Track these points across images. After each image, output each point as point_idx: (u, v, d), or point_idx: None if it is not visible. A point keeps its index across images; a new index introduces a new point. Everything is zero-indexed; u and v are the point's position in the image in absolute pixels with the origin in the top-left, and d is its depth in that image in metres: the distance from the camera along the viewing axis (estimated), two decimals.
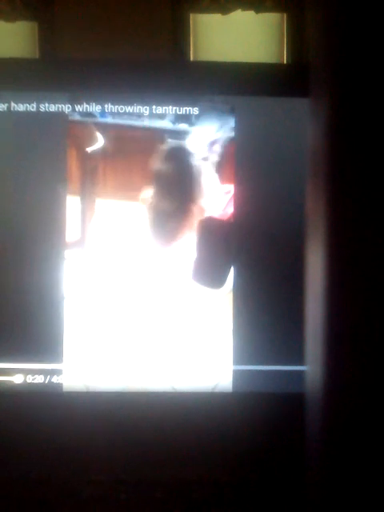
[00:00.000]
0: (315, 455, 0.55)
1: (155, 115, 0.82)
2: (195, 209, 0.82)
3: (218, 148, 0.82)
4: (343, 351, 0.51)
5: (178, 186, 0.82)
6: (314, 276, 0.57)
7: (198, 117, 0.82)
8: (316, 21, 0.58)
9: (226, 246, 0.83)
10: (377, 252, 0.50)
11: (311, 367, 0.59)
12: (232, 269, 0.82)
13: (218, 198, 0.82)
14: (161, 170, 0.82)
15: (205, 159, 0.82)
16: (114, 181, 0.82)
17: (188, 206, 0.82)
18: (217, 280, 0.83)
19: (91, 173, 0.82)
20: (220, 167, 0.82)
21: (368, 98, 0.50)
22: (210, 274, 0.83)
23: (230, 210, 0.82)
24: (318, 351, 0.53)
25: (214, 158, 0.82)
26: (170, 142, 0.82)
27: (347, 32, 0.49)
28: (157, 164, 0.82)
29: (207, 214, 0.82)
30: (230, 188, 0.82)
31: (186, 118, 0.82)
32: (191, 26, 1.29)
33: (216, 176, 0.82)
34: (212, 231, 0.83)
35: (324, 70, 0.55)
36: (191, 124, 0.82)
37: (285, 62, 1.29)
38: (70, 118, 0.81)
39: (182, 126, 0.82)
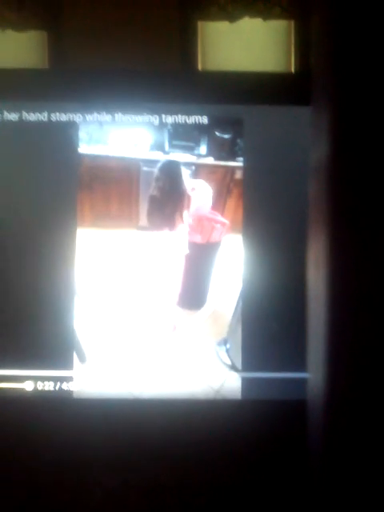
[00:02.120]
0: (318, 459, 0.55)
1: (164, 125, 0.83)
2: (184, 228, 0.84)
3: (215, 167, 0.83)
4: (344, 359, 0.51)
5: (171, 206, 0.84)
6: (316, 287, 0.57)
7: (206, 126, 0.82)
8: (317, 31, 0.58)
9: (206, 270, 0.84)
10: (377, 263, 0.50)
11: (313, 375, 0.59)
12: (210, 290, 0.84)
13: (206, 222, 0.83)
14: (155, 195, 0.83)
15: (200, 182, 0.83)
16: (108, 208, 0.83)
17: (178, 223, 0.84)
18: (197, 302, 0.84)
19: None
20: (218, 188, 0.83)
21: (369, 107, 0.50)
22: (191, 297, 0.85)
23: (217, 234, 0.83)
24: (320, 359, 0.54)
25: (211, 179, 0.83)
26: (166, 165, 0.83)
27: (349, 42, 0.50)
28: (152, 188, 0.83)
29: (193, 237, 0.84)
30: (220, 214, 0.83)
31: (192, 130, 0.83)
32: (199, 33, 1.30)
33: (209, 200, 0.83)
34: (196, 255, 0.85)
35: (325, 80, 0.55)
36: (198, 137, 0.83)
37: (292, 68, 1.29)
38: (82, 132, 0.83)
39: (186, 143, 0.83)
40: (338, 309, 0.52)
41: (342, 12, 0.51)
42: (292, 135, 0.82)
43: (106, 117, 0.82)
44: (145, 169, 0.83)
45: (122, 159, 0.83)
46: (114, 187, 0.83)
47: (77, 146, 0.82)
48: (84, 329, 0.82)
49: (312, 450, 0.59)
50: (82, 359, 0.82)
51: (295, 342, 0.80)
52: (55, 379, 0.82)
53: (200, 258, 0.84)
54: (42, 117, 0.82)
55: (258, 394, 0.82)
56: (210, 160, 0.83)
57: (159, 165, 0.82)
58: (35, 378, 0.82)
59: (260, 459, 0.83)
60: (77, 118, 0.82)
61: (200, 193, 0.82)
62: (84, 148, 0.83)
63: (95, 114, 0.82)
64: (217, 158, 0.83)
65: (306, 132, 0.80)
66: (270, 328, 0.82)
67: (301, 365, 0.80)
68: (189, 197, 0.83)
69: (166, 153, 0.82)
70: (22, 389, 0.82)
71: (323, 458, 0.54)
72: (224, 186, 0.82)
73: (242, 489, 0.83)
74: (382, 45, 0.50)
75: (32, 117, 0.82)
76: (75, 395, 0.82)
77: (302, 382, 0.81)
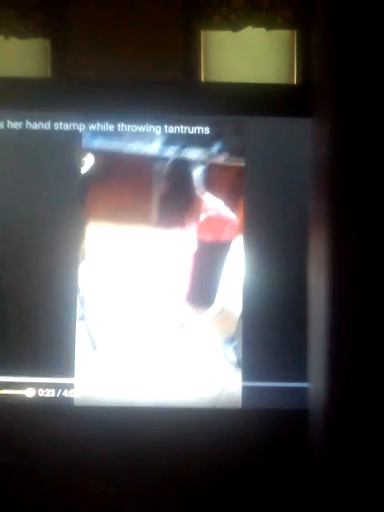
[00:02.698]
0: (319, 468, 0.55)
1: (166, 134, 0.83)
2: (194, 231, 0.84)
3: (226, 168, 0.83)
4: (345, 368, 0.51)
5: (178, 209, 0.84)
6: (317, 296, 0.58)
7: (208, 136, 0.83)
8: (318, 43, 0.59)
9: (216, 268, 0.84)
10: (377, 272, 0.51)
11: (314, 384, 0.59)
12: (219, 289, 0.84)
13: (216, 221, 0.84)
14: (165, 193, 0.84)
15: (212, 181, 0.84)
16: (120, 204, 0.83)
17: (188, 227, 0.84)
18: (206, 300, 0.85)
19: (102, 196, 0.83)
20: (228, 188, 0.83)
21: (369, 119, 0.51)
22: (200, 295, 0.85)
23: (227, 234, 0.84)
24: (321, 369, 0.54)
25: (223, 178, 0.83)
26: (176, 164, 0.83)
27: (349, 55, 0.50)
28: (163, 186, 0.84)
29: (202, 236, 0.84)
30: (229, 213, 0.83)
31: (196, 138, 0.83)
32: (202, 42, 1.31)
33: (220, 200, 0.84)
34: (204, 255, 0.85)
35: (326, 92, 0.56)
36: (201, 144, 0.83)
37: (295, 78, 1.30)
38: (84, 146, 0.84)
39: (191, 147, 0.83)
40: (338, 318, 0.52)
41: (342, 24, 0.51)
42: (293, 146, 0.83)
43: (108, 127, 0.83)
44: (157, 166, 0.83)
45: (133, 157, 0.83)
46: (124, 186, 0.83)
47: (80, 155, 0.83)
48: (89, 330, 0.82)
49: (313, 460, 0.60)
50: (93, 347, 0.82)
51: (296, 351, 0.80)
52: (56, 386, 0.82)
53: (209, 257, 0.84)
54: (45, 126, 0.83)
55: (258, 403, 0.82)
56: (223, 159, 0.83)
57: (169, 162, 0.83)
58: (36, 385, 0.82)
59: (260, 468, 0.83)
60: (80, 127, 0.83)
61: (212, 191, 0.83)
62: (93, 144, 0.83)
63: (98, 124, 0.83)
64: (229, 158, 0.83)
65: (307, 143, 0.81)
66: (271, 337, 0.82)
67: (302, 374, 0.80)
68: (199, 196, 0.83)
69: (178, 150, 0.83)
70: (24, 395, 0.83)
71: (324, 466, 0.55)
72: (236, 186, 0.83)
73: (242, 498, 0.83)
74: (382, 56, 0.50)
75: (35, 126, 0.83)
76: (76, 402, 0.83)
77: (302, 392, 0.81)
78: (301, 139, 0.82)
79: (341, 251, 0.52)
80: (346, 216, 0.51)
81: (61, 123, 0.83)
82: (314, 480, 0.58)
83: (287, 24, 1.32)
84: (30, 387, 0.83)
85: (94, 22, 1.24)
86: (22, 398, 0.83)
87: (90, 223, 0.83)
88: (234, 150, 0.83)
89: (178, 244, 0.83)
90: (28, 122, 0.83)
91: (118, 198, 0.83)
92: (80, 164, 0.83)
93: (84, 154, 0.83)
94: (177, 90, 0.84)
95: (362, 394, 0.51)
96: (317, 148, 0.61)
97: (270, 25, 1.31)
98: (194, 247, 0.83)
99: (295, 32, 1.34)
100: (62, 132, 0.83)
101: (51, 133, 0.83)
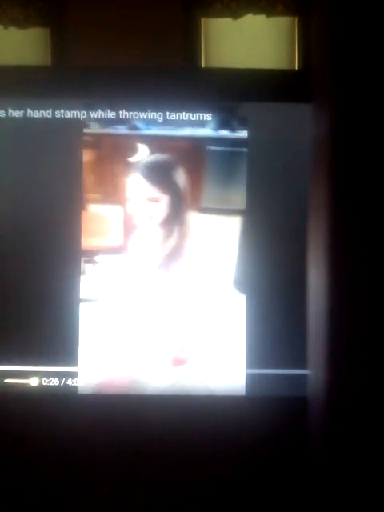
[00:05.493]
0: (318, 453, 0.56)
1: (168, 121, 0.83)
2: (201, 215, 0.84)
3: (230, 152, 0.83)
4: (344, 355, 0.52)
5: (181, 192, 0.84)
6: (316, 285, 0.58)
7: (210, 123, 0.83)
8: (317, 30, 0.59)
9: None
10: (376, 262, 0.51)
11: (313, 371, 0.59)
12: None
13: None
14: (171, 178, 0.84)
15: (217, 165, 0.83)
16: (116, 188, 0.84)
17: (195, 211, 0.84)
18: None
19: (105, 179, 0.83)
20: (233, 172, 0.83)
21: (368, 103, 0.51)
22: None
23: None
24: (320, 356, 0.54)
25: (227, 163, 0.83)
26: (182, 149, 0.83)
27: (347, 41, 0.50)
28: (169, 171, 0.84)
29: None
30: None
31: (198, 124, 0.83)
32: (203, 30, 1.30)
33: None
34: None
35: (325, 78, 0.56)
36: (203, 130, 0.83)
37: (296, 65, 1.29)
38: (86, 129, 0.83)
39: (196, 132, 0.83)
40: (337, 307, 0.53)
41: (341, 11, 0.51)
42: (294, 131, 0.82)
43: (110, 114, 0.83)
44: (160, 152, 0.83)
45: (135, 143, 0.83)
46: (123, 170, 0.83)
47: (81, 142, 0.83)
48: (90, 322, 0.83)
49: (313, 445, 0.60)
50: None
51: (298, 338, 0.81)
52: (60, 375, 0.83)
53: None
54: (47, 114, 0.83)
55: (261, 391, 0.82)
56: (225, 144, 0.83)
57: (170, 148, 0.83)
58: (40, 374, 0.83)
59: (263, 454, 0.83)
60: (81, 115, 0.83)
61: (212, 176, 0.83)
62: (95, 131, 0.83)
63: (99, 111, 0.83)
64: (231, 143, 0.83)
65: (307, 128, 0.81)
66: (273, 326, 0.82)
67: (304, 362, 0.81)
68: (200, 181, 0.83)
69: (180, 136, 0.83)
70: (28, 384, 0.83)
71: (324, 451, 0.55)
72: (238, 170, 0.83)
73: (245, 482, 0.84)
74: (380, 43, 0.50)
75: (36, 114, 0.82)
76: (80, 391, 0.83)
77: (305, 379, 0.81)
78: (302, 124, 0.81)
79: (340, 239, 0.52)
80: (346, 201, 0.52)
81: (62, 111, 0.83)
82: (315, 465, 0.58)
83: (287, 11, 1.31)
84: (34, 376, 0.83)
85: (94, 11, 1.24)
86: (26, 387, 0.83)
87: (89, 208, 0.83)
88: (235, 136, 0.83)
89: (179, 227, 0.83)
90: (29, 111, 0.83)
91: (115, 182, 0.83)
92: (81, 151, 0.83)
93: (85, 141, 0.83)
94: (179, 76, 0.84)
95: (360, 381, 0.52)
96: (317, 133, 0.61)
97: (270, 12, 1.30)
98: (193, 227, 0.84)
99: (295, 19, 1.33)
100: (63, 120, 0.83)
101: (52, 121, 0.83)
